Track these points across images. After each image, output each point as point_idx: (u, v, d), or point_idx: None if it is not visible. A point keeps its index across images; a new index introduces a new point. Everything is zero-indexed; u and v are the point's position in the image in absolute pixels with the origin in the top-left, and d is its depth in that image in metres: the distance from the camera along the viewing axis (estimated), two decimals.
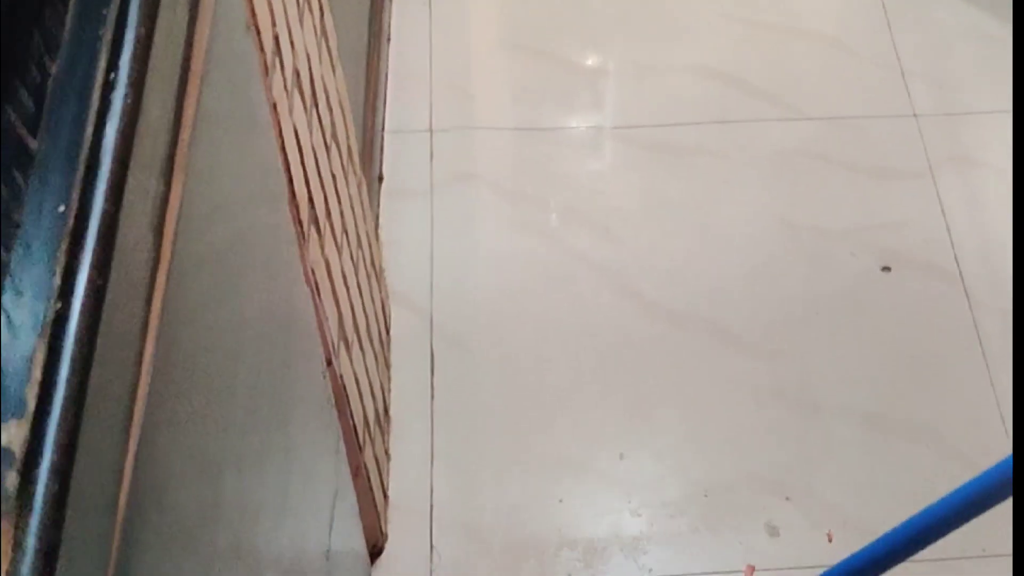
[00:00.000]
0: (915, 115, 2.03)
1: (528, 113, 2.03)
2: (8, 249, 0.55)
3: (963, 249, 1.89)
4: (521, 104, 2.04)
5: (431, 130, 1.97)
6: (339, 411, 1.26)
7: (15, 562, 0.47)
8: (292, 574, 1.01)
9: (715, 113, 2.04)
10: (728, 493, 1.65)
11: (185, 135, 0.67)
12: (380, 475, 1.52)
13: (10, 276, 0.54)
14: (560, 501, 1.58)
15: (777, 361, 1.77)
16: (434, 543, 1.57)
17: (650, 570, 1.58)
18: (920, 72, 2.10)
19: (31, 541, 0.47)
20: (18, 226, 0.56)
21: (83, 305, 0.54)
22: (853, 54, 2.12)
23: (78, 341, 0.53)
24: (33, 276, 0.55)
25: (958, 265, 1.88)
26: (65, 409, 0.51)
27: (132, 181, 0.60)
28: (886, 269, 1.86)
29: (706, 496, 1.64)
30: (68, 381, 0.52)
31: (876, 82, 2.09)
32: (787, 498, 1.65)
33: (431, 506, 1.60)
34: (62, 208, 0.57)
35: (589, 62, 2.10)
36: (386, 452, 1.60)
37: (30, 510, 0.48)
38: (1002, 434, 1.71)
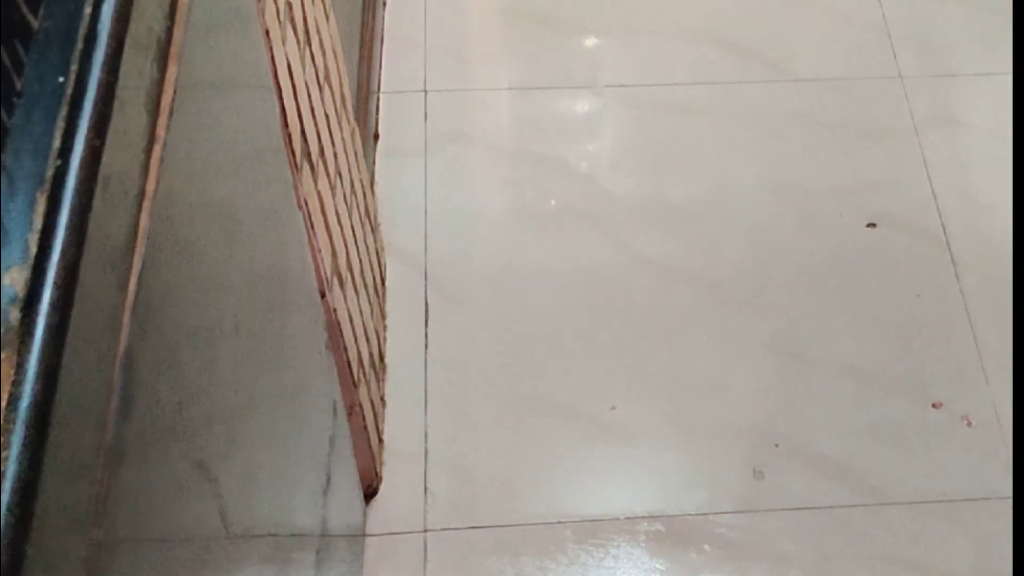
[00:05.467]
0: (900, 76, 2.07)
1: (522, 74, 2.06)
2: (10, 115, 0.59)
3: (947, 208, 1.93)
4: (515, 65, 2.08)
5: (425, 90, 2.01)
6: (333, 345, 1.30)
7: (17, 383, 0.50)
8: (292, 505, 1.05)
9: (707, 74, 2.07)
10: (717, 440, 1.69)
11: (179, 27, 0.70)
12: (375, 419, 1.56)
13: (11, 139, 0.58)
14: (551, 446, 1.61)
15: (766, 315, 1.81)
16: (428, 485, 1.61)
17: (641, 512, 1.61)
18: (906, 34, 2.13)
19: (32, 364, 0.51)
20: (20, 95, 0.60)
21: (81, 162, 0.57)
22: (840, 16, 2.16)
23: (77, 193, 0.56)
24: (34, 139, 0.58)
25: (942, 224, 1.91)
26: (65, 252, 0.54)
27: (128, 59, 0.63)
28: (871, 225, 1.90)
29: (695, 442, 1.68)
30: (67, 229, 0.55)
31: (863, 44, 2.12)
32: (776, 444, 1.68)
33: (425, 450, 1.64)
34: (61, 79, 0.60)
35: (582, 24, 2.14)
36: (381, 399, 1.64)
37: (31, 338, 0.51)
38: (983, 385, 1.74)
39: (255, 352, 0.89)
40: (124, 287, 0.59)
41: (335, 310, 1.28)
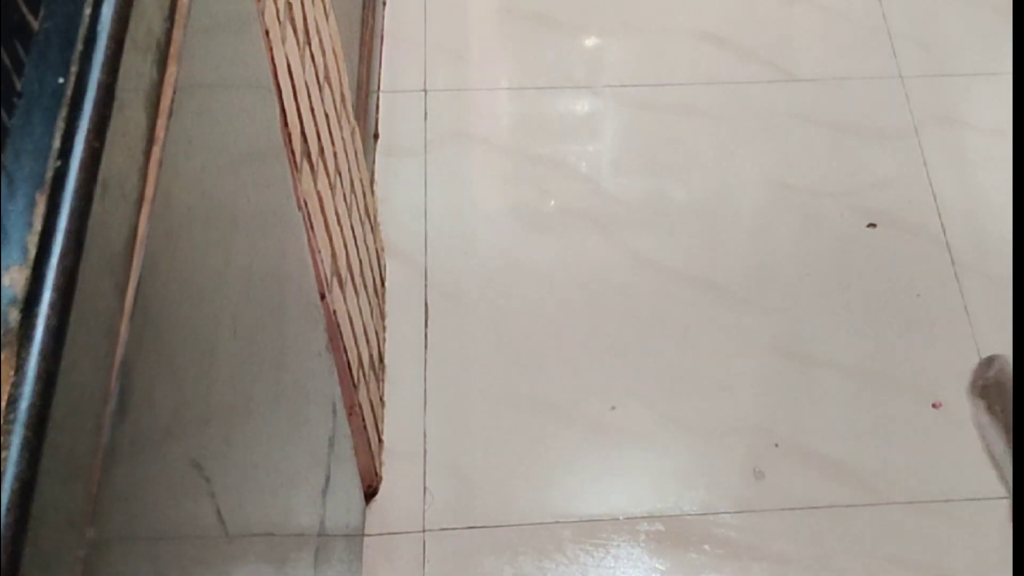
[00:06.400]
0: (901, 76, 2.07)
1: (522, 73, 2.06)
2: (10, 115, 0.59)
3: (947, 208, 1.93)
4: (515, 65, 2.08)
5: (425, 90, 2.01)
6: (333, 346, 1.30)
7: (16, 384, 0.50)
8: (290, 505, 1.05)
9: (707, 74, 2.07)
10: (717, 440, 1.69)
11: (179, 29, 0.70)
12: (375, 419, 1.56)
13: (11, 139, 0.58)
14: (550, 446, 1.62)
15: (768, 315, 1.81)
16: (427, 485, 1.61)
17: (640, 512, 1.61)
18: (906, 34, 2.13)
19: (31, 366, 0.51)
20: (19, 95, 0.60)
21: (81, 163, 0.57)
22: (841, 16, 2.16)
23: (76, 195, 0.56)
24: (34, 139, 0.58)
25: (942, 224, 1.91)
26: (65, 254, 0.54)
27: (127, 60, 0.63)
28: (872, 226, 1.90)
29: (695, 442, 1.68)
30: (67, 230, 0.55)
31: (863, 44, 2.12)
32: (776, 444, 1.68)
33: (424, 450, 1.64)
34: (61, 80, 0.60)
35: (582, 24, 2.14)
36: (381, 399, 1.64)
37: (30, 340, 0.51)
38: None
39: (254, 353, 0.89)
40: (123, 288, 0.59)
41: (335, 311, 1.28)
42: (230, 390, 0.81)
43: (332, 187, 1.31)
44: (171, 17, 0.68)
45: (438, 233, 1.85)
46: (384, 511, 1.58)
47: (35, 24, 0.62)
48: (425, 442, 1.65)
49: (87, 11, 0.62)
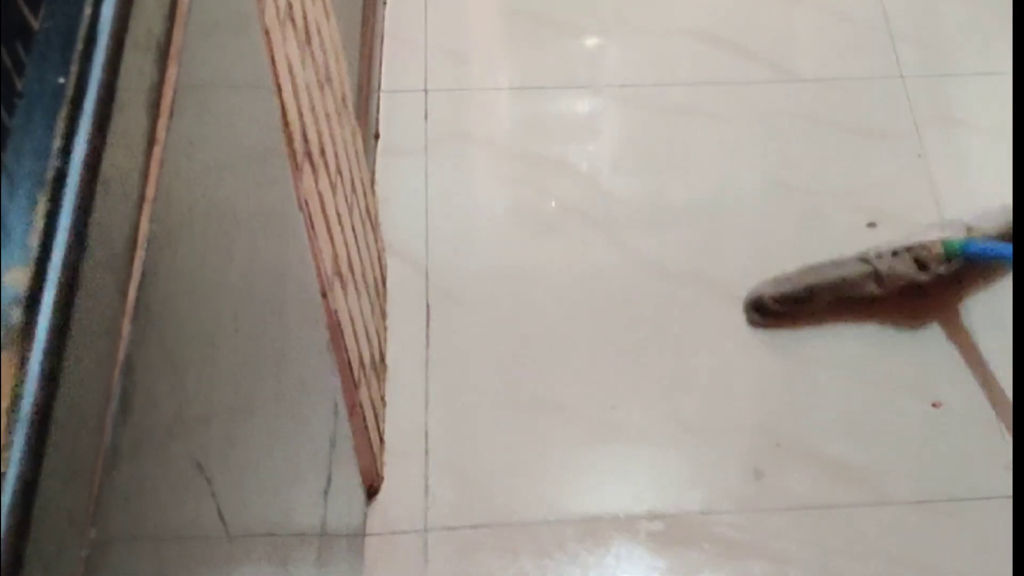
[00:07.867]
0: (902, 76, 2.07)
1: (522, 73, 2.07)
2: (11, 115, 0.59)
3: (947, 208, 1.92)
4: (515, 65, 2.08)
5: (426, 90, 2.01)
6: (334, 345, 1.30)
7: (19, 383, 0.50)
8: (292, 505, 1.05)
9: (708, 74, 2.07)
10: (717, 439, 1.69)
11: (179, 28, 0.70)
12: (376, 419, 1.56)
13: (12, 139, 0.58)
14: (551, 445, 1.62)
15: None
16: (429, 485, 1.61)
17: (641, 511, 1.61)
18: (908, 34, 2.13)
19: (34, 365, 0.51)
20: (20, 95, 0.60)
21: (82, 163, 0.57)
22: (842, 16, 2.16)
23: (78, 194, 0.56)
24: (35, 139, 0.58)
25: (942, 224, 1.91)
26: (66, 253, 0.54)
27: (128, 60, 0.63)
28: (871, 225, 1.90)
29: (695, 441, 1.68)
30: (68, 229, 0.55)
31: (864, 44, 2.12)
32: (777, 444, 1.69)
33: (426, 450, 1.64)
34: (62, 80, 0.61)
35: (583, 24, 2.14)
36: (382, 398, 1.64)
37: (33, 339, 0.52)
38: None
39: (255, 353, 0.89)
40: (125, 287, 0.59)
41: (336, 311, 1.28)
42: (231, 390, 0.81)
43: (333, 187, 1.31)
44: (171, 17, 0.68)
45: (439, 233, 1.85)
46: (385, 510, 1.58)
47: (36, 24, 0.62)
48: (426, 441, 1.65)
49: (87, 11, 0.62)
